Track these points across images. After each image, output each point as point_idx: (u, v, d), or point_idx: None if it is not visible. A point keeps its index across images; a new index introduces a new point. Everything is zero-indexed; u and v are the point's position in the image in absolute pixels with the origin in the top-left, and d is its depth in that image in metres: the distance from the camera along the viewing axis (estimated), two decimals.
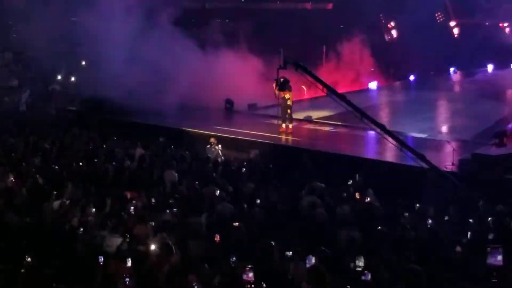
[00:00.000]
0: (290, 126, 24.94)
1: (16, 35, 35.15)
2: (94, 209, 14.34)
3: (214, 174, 18.50)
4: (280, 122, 24.99)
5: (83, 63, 30.42)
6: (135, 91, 27.69)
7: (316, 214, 14.91)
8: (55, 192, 15.61)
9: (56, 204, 14.84)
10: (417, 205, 15.71)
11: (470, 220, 14.55)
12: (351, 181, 17.88)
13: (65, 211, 14.44)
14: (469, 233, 13.41)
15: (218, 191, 16.20)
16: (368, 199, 16.21)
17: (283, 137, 24.38)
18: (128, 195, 15.78)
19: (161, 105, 27.43)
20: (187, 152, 21.02)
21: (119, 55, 28.44)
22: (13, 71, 32.62)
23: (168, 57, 29.04)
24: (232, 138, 24.14)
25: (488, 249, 9.18)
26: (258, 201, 15.72)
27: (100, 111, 27.91)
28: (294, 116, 25.90)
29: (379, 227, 13.34)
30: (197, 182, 17.43)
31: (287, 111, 24.73)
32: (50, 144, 21.92)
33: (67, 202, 14.86)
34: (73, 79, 30.96)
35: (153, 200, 15.62)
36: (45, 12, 27.87)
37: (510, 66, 41.06)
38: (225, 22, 34.45)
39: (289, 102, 24.60)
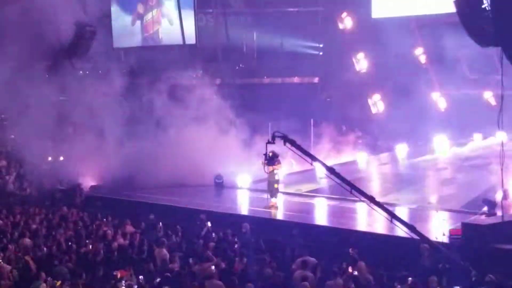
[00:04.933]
0: (277, 200, 24.84)
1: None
2: None
3: (205, 250, 18.34)
4: (268, 196, 24.88)
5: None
6: (124, 168, 27.78)
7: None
8: (43, 274, 15.48)
9: (43, 286, 14.71)
10: (410, 278, 15.60)
11: None
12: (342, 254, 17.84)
13: None
14: None
15: (210, 267, 16.13)
16: (355, 272, 16.16)
17: (272, 211, 24.27)
18: (118, 274, 15.65)
19: (150, 181, 27.55)
20: (178, 227, 20.89)
21: (108, 133, 28.64)
22: (2, 152, 32.58)
23: (158, 133, 29.28)
24: (222, 213, 24.05)
25: None
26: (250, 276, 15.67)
27: (89, 189, 27.86)
28: (284, 189, 25.88)
29: None
30: (190, 259, 17.35)
31: (274, 185, 24.66)
32: (38, 224, 21.75)
33: (56, 283, 14.75)
34: (61, 158, 30.89)
35: (141, 278, 15.52)
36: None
37: (495, 135, 41.40)
38: (214, 97, 34.57)
39: (277, 177, 24.56)
